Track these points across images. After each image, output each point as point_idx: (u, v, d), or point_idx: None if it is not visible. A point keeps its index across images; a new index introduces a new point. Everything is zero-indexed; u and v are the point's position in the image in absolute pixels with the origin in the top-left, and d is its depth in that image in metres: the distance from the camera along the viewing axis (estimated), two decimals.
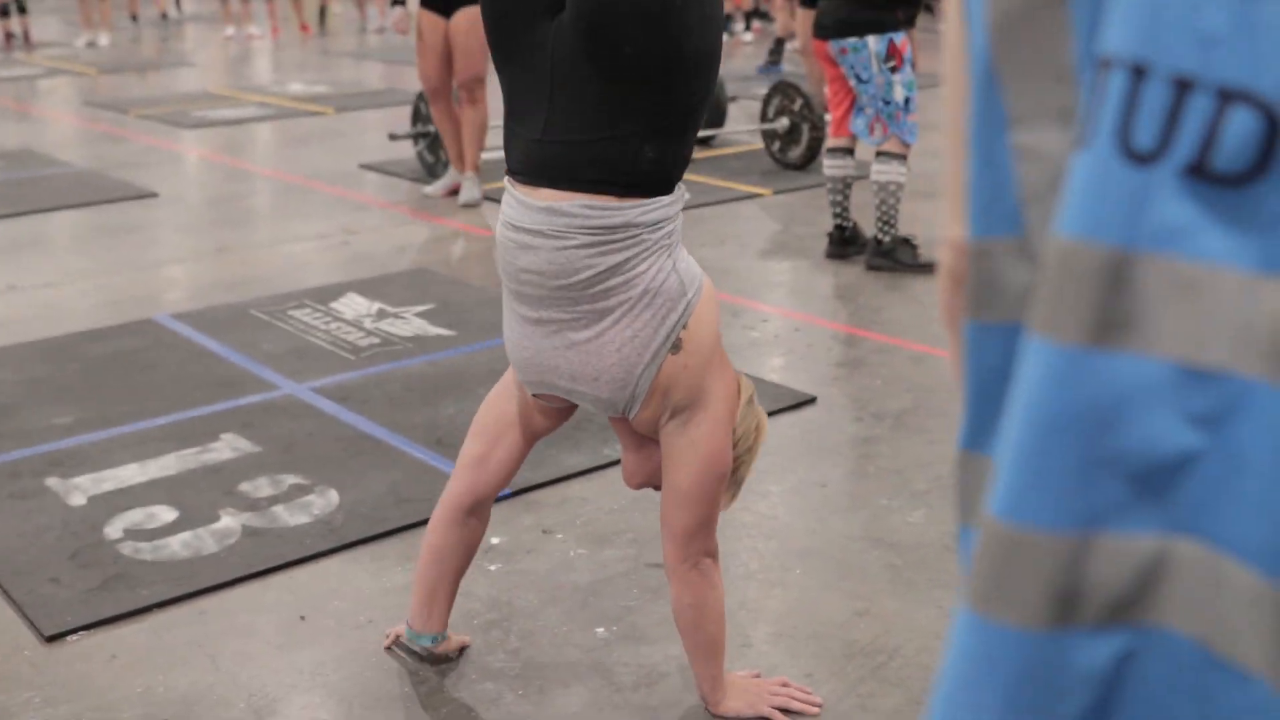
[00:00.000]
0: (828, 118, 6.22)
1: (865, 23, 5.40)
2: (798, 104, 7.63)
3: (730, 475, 2.55)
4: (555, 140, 2.25)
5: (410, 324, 4.93)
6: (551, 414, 2.61)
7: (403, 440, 3.83)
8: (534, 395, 2.52)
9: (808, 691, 2.64)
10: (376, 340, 4.74)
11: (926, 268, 5.59)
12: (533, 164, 2.28)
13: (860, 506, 3.46)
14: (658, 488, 2.62)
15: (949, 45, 1.05)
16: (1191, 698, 0.90)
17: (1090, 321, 0.88)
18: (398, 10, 6.73)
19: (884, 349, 4.66)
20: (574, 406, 2.58)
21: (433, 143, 7.54)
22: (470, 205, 6.95)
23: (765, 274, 5.69)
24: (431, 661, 2.77)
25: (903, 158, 5.55)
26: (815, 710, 2.61)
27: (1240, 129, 0.83)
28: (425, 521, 3.33)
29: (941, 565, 3.14)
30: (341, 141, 9.10)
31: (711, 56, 2.27)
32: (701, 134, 8.36)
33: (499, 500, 3.47)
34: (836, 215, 5.85)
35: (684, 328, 2.34)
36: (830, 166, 5.81)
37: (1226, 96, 0.83)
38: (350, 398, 4.18)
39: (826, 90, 5.86)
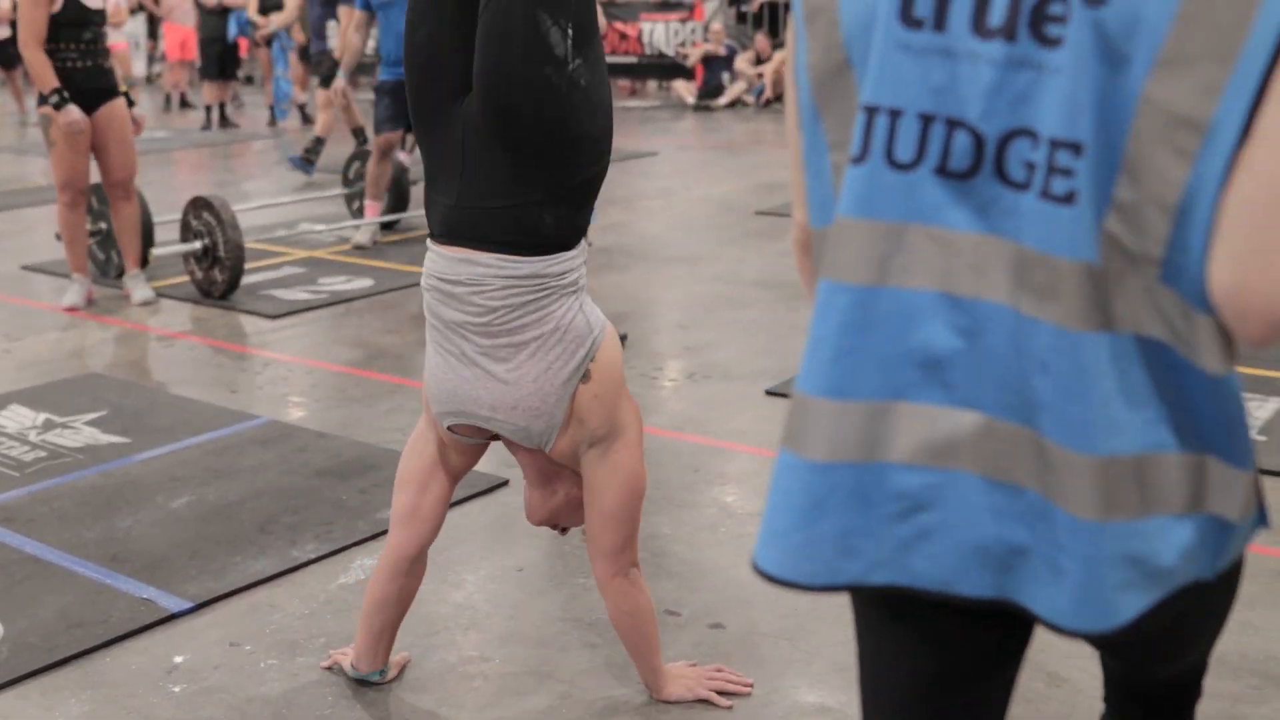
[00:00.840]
0: None
1: None
2: None
3: None
4: (468, 206, 2.56)
5: (80, 433, 4.67)
6: (467, 450, 2.85)
7: (75, 560, 3.61)
8: (449, 428, 2.75)
9: (739, 675, 2.95)
10: (43, 454, 4.47)
11: None
12: (450, 226, 2.60)
13: (557, 587, 3.46)
14: (555, 526, 2.95)
15: (787, 97, 1.54)
16: (985, 508, 1.35)
17: (878, 268, 1.36)
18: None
19: None
20: (486, 444, 2.85)
21: (104, 239, 7.22)
22: (145, 304, 6.66)
23: None
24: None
25: None
26: (746, 690, 2.92)
27: (962, 143, 1.33)
28: (103, 645, 3.16)
29: None
30: (2, 243, 8.61)
31: (598, 138, 2.59)
32: (386, 218, 8.29)
33: (179, 615, 3.31)
34: None
35: (592, 360, 2.64)
36: None
37: (951, 124, 1.33)
38: (14, 518, 3.92)
39: None
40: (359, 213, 8.47)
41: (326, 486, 4.11)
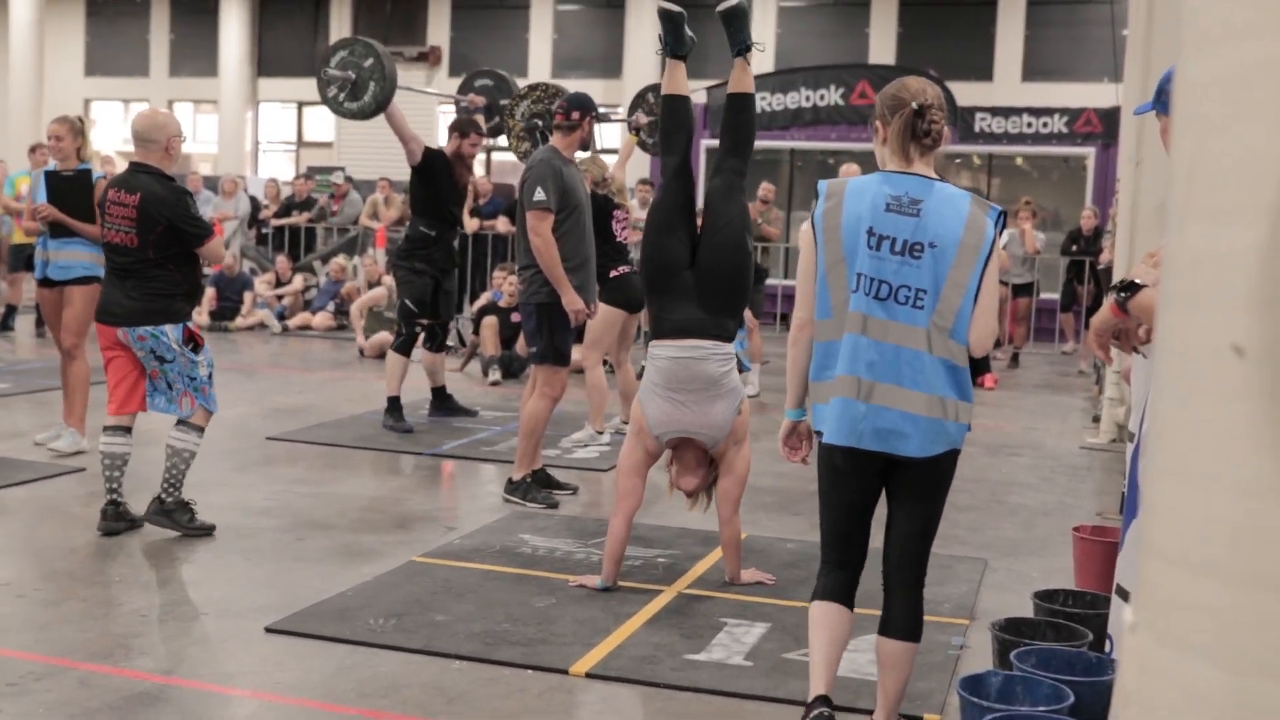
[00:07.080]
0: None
1: (160, 312, 5.91)
2: None
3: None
4: (698, 318, 5.19)
5: None
6: (658, 453, 5.37)
7: None
8: (665, 442, 5.26)
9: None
10: None
11: (205, 531, 6.02)
12: (687, 329, 5.18)
13: None
14: (696, 493, 5.39)
15: (804, 263, 3.71)
16: (882, 419, 3.59)
17: (862, 328, 3.67)
18: None
19: None
20: (661, 450, 5.32)
21: None
22: None
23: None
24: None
25: (201, 429, 6.06)
26: (771, 582, 5.54)
27: (884, 288, 3.61)
28: None
29: None
30: None
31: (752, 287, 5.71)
32: None
33: None
34: (111, 490, 5.97)
35: (741, 401, 5.22)
36: (108, 444, 5.95)
37: (880, 282, 3.59)
38: None
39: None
40: None
41: None
